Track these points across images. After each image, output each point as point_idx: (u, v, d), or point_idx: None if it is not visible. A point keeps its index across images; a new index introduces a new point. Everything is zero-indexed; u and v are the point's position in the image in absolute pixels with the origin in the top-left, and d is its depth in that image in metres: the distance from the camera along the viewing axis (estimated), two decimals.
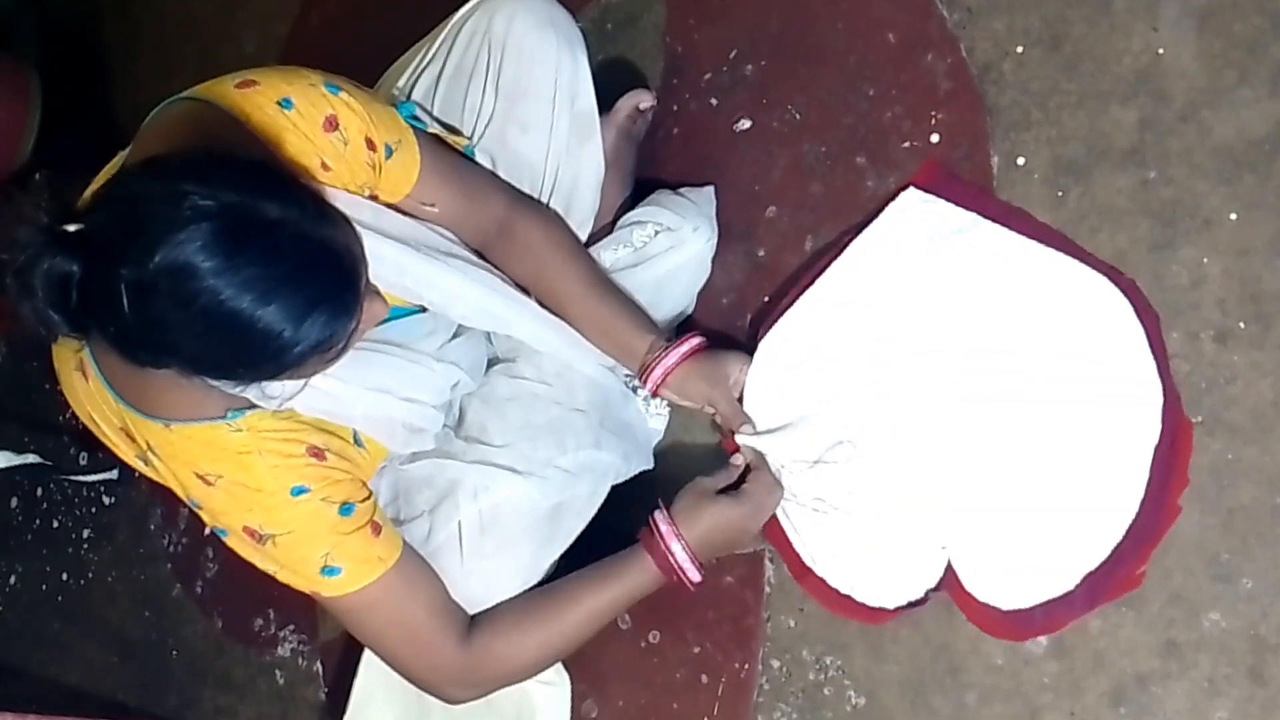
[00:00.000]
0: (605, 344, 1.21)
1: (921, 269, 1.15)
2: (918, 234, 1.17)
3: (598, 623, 1.12)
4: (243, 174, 0.80)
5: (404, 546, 1.06)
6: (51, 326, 0.79)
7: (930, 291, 1.15)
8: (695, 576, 1.12)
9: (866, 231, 1.20)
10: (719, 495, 1.14)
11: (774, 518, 1.20)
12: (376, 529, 1.03)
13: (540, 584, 1.15)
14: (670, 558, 1.11)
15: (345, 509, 0.99)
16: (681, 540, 1.11)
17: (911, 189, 1.19)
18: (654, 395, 1.22)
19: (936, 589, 1.11)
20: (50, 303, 0.78)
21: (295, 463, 0.96)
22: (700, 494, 1.14)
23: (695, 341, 1.19)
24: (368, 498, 1.04)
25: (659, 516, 1.13)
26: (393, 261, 1.03)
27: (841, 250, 1.20)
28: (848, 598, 1.15)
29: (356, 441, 1.08)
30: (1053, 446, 1.06)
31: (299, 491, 0.96)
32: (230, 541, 1.00)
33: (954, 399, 1.11)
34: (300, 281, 0.79)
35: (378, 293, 0.91)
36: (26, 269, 0.77)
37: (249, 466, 0.94)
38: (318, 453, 0.99)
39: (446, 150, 1.14)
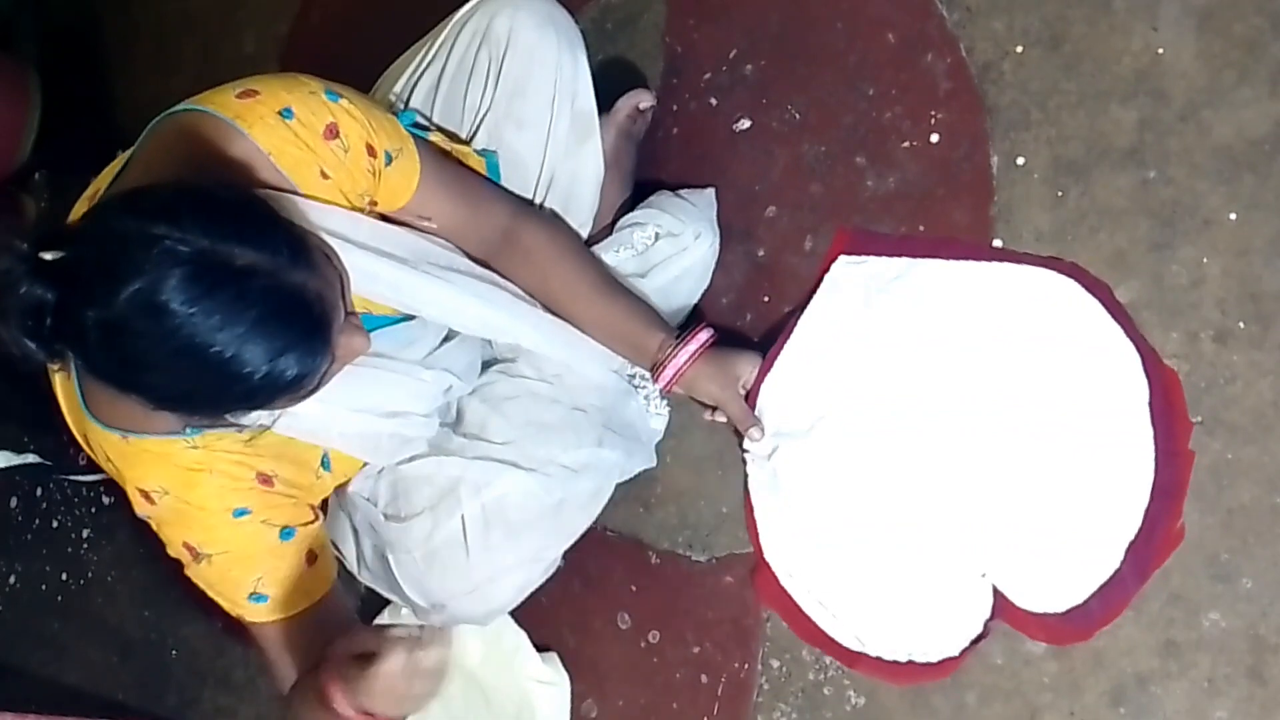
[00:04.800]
0: (616, 346, 1.21)
1: (872, 319, 1.17)
2: (857, 292, 1.19)
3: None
4: (218, 216, 0.79)
5: (332, 585, 1.04)
6: (26, 353, 0.79)
7: (888, 334, 1.16)
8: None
9: (810, 307, 1.21)
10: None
11: (807, 618, 1.18)
12: (312, 558, 1.02)
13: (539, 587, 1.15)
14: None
15: (286, 533, 0.99)
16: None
17: (841, 258, 1.21)
18: (666, 392, 1.22)
19: (992, 618, 1.09)
20: (24, 329, 0.78)
21: (241, 485, 0.96)
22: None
23: (704, 337, 1.19)
24: (311, 522, 1.03)
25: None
26: (388, 280, 1.03)
27: (791, 330, 1.21)
28: (910, 664, 1.12)
29: (324, 464, 1.08)
30: (1051, 434, 1.07)
31: (240, 513, 0.96)
32: (171, 552, 1.00)
33: (943, 418, 1.12)
34: (267, 328, 0.78)
35: (358, 328, 0.90)
36: (2, 293, 0.77)
37: (196, 484, 0.94)
38: (266, 479, 0.99)
39: (448, 160, 1.13)
